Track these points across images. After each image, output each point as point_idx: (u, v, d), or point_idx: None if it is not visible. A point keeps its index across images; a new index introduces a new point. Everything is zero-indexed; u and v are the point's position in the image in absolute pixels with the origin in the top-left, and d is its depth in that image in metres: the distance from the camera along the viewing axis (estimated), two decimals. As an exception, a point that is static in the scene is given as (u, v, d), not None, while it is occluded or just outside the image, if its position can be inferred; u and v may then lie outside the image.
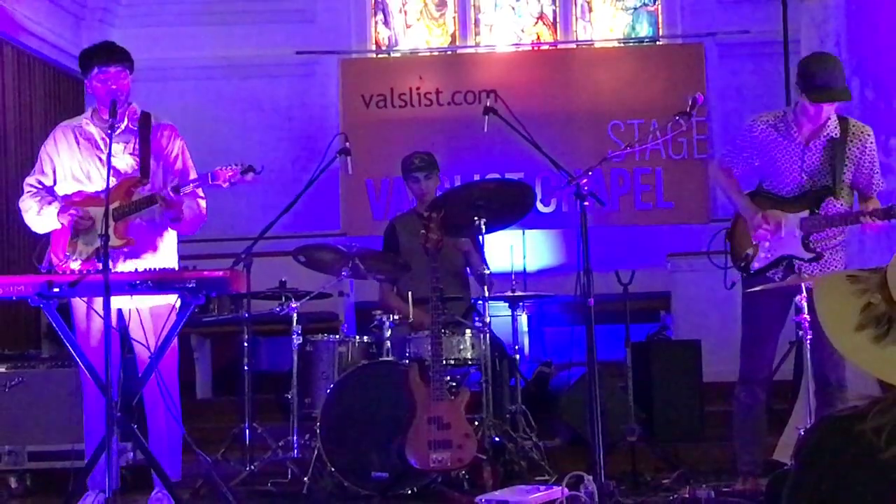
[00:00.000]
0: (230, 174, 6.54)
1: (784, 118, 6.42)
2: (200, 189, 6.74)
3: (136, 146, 6.66)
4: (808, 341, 6.34)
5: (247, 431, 7.68)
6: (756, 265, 6.46)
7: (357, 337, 7.78)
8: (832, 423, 2.33)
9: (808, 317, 6.12)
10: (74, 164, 6.65)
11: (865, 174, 6.34)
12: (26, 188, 6.73)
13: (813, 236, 6.31)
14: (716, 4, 11.49)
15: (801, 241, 6.30)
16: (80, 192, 6.61)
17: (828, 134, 6.33)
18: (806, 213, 6.31)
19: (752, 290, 6.39)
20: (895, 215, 6.14)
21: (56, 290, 6.19)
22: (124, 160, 6.63)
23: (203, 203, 6.79)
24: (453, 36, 12.05)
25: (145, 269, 6.33)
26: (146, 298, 6.27)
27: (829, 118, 6.33)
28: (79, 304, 6.51)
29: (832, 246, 6.39)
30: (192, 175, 6.76)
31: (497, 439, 7.33)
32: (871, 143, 6.38)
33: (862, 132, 6.38)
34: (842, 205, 6.29)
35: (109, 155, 6.30)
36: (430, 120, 10.98)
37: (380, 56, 11.98)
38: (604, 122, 10.87)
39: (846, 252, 6.51)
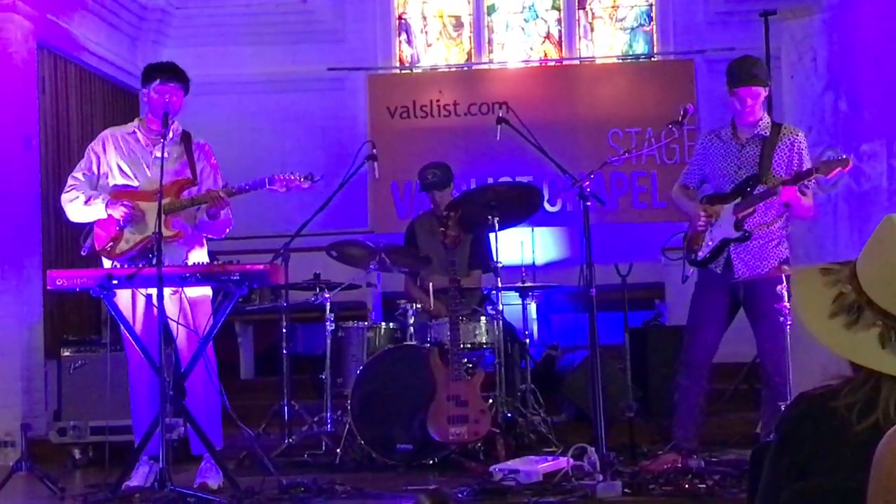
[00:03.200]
0: (288, 180, 6.57)
1: (726, 128, 6.56)
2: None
3: (182, 156, 6.69)
4: (789, 327, 6.35)
5: (285, 408, 7.72)
6: (701, 254, 6.49)
7: (383, 323, 7.83)
8: (809, 399, 2.33)
9: (787, 304, 6.13)
10: (123, 164, 6.66)
11: (796, 170, 6.36)
12: (70, 181, 6.72)
13: (748, 221, 6.33)
14: (704, 25, 11.47)
15: (734, 224, 6.32)
16: (125, 186, 6.62)
17: (759, 133, 6.42)
18: (739, 200, 6.35)
19: (698, 280, 6.56)
20: (805, 177, 6.22)
21: (115, 282, 6.24)
22: (171, 167, 6.63)
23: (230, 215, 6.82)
24: (469, 53, 12.04)
25: (194, 264, 6.38)
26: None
27: (762, 119, 6.45)
28: (122, 296, 6.53)
29: (767, 231, 6.40)
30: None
31: (509, 415, 7.35)
32: (800, 142, 6.43)
33: (792, 132, 6.48)
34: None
35: (163, 157, 6.33)
36: (449, 129, 10.96)
37: (403, 72, 11.98)
38: (604, 131, 10.84)
39: (785, 244, 6.49)
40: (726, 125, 6.56)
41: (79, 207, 6.63)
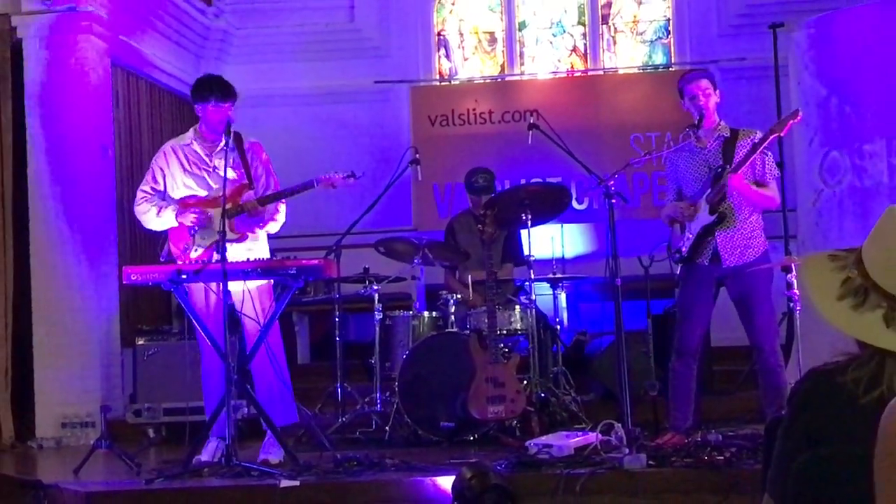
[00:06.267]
0: (333, 179, 6.62)
1: (686, 139, 6.49)
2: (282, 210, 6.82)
3: (237, 160, 6.68)
4: (798, 312, 6.31)
5: (339, 390, 7.74)
6: (684, 249, 6.42)
7: (427, 313, 7.82)
8: (819, 375, 2.32)
9: (797, 291, 6.09)
10: (186, 176, 6.69)
11: (758, 165, 6.30)
12: (140, 194, 6.75)
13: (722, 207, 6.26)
14: (717, 37, 11.43)
15: (708, 210, 6.26)
16: (192, 196, 6.66)
17: (720, 135, 6.37)
18: (709, 191, 6.29)
19: (682, 274, 6.49)
20: (744, 161, 6.14)
21: (184, 276, 6.30)
22: (230, 171, 6.66)
23: (280, 217, 6.83)
24: (502, 66, 12.03)
25: (255, 259, 6.41)
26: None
27: (720, 124, 6.40)
28: (195, 288, 6.57)
29: (748, 222, 6.33)
30: (273, 183, 6.84)
31: (542, 395, 7.34)
32: (758, 139, 6.32)
33: (750, 132, 6.39)
34: None
35: (226, 166, 6.37)
36: (484, 135, 10.96)
37: (442, 84, 11.98)
38: (627, 135, 10.81)
39: (763, 235, 6.40)
40: (689, 139, 6.49)
41: (152, 218, 6.70)
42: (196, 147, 6.72)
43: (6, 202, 8.42)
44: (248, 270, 6.29)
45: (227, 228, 6.27)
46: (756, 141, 6.27)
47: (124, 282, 6.52)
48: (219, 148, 6.60)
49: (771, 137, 6.24)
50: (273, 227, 6.84)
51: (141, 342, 8.20)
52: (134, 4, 9.62)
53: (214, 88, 6.67)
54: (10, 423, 8.25)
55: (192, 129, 6.86)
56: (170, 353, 8.07)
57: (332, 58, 11.65)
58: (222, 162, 6.49)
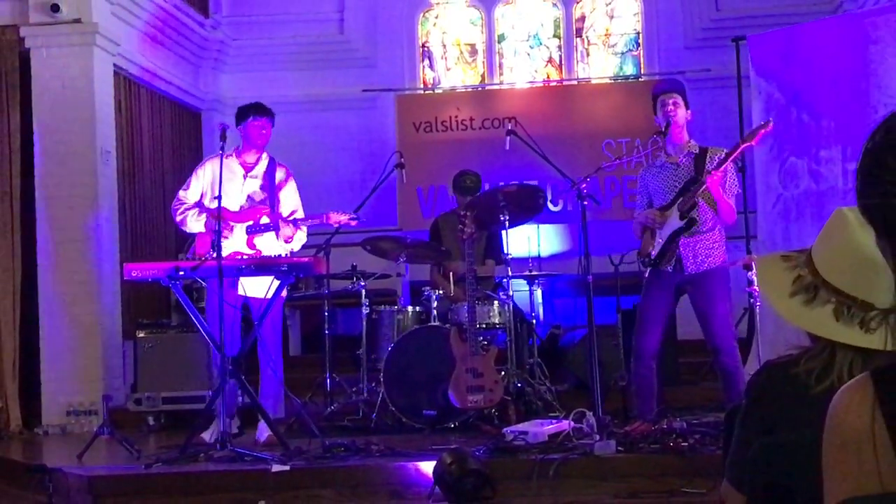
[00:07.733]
0: (342, 219, 6.95)
1: (658, 157, 6.49)
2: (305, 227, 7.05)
3: (266, 183, 6.92)
4: (758, 308, 6.32)
5: (328, 380, 7.74)
6: (654, 252, 6.38)
7: (411, 307, 7.82)
8: (773, 367, 2.34)
9: (757, 288, 6.10)
10: (221, 189, 6.78)
11: (726, 177, 6.26)
12: (180, 198, 6.98)
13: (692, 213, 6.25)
14: (684, 50, 11.46)
15: (679, 217, 6.24)
16: (224, 209, 6.67)
17: (690, 152, 6.34)
18: (682, 199, 6.27)
19: (648, 278, 6.47)
20: (724, 161, 6.08)
21: (181, 273, 6.31)
22: (258, 193, 6.80)
23: (303, 237, 7.08)
24: (482, 76, 12.05)
25: (249, 256, 6.44)
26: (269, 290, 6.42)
27: (689, 141, 6.38)
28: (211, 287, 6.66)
29: (710, 235, 6.30)
30: (298, 204, 7.11)
31: (519, 385, 7.35)
32: (731, 148, 6.30)
33: (718, 150, 6.34)
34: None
35: (221, 169, 6.40)
36: (465, 141, 10.97)
37: (426, 92, 11.98)
38: (599, 141, 10.83)
39: (723, 247, 6.38)
40: (659, 156, 6.49)
41: (191, 218, 6.87)
42: (234, 165, 6.87)
43: (14, 203, 8.40)
44: (241, 267, 6.30)
45: (244, 243, 6.65)
46: (728, 151, 6.25)
47: (125, 278, 6.54)
48: (254, 171, 6.89)
49: (743, 146, 6.22)
50: (296, 245, 7.03)
51: (141, 335, 8.19)
52: (136, 17, 9.60)
53: (252, 107, 6.98)
54: (17, 412, 8.24)
55: (234, 149, 7.01)
56: (168, 345, 8.09)
57: (322, 67, 11.66)
58: (256, 182, 6.87)
